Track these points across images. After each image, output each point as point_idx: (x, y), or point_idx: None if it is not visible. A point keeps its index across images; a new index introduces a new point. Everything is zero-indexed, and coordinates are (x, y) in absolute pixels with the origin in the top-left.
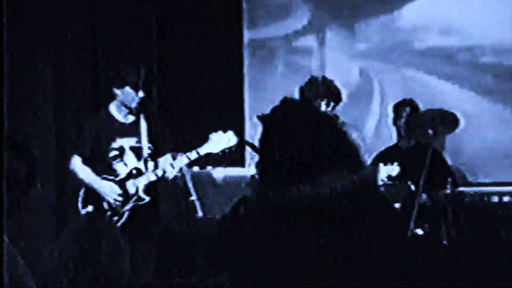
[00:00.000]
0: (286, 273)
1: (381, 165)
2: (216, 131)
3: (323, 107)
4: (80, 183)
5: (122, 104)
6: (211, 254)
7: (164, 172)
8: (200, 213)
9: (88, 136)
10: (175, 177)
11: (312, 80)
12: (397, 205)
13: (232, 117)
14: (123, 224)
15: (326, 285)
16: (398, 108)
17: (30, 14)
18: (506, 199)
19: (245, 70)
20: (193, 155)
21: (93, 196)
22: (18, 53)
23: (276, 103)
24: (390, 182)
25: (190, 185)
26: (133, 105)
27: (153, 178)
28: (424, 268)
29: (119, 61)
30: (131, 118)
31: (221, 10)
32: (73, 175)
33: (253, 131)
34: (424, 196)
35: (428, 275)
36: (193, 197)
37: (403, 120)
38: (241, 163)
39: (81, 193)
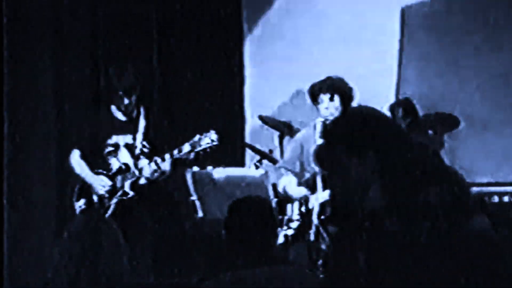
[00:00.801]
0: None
1: None
2: (215, 131)
3: (326, 100)
4: (76, 177)
5: (117, 107)
6: (211, 254)
7: (141, 170)
8: (200, 213)
9: (88, 132)
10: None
11: (324, 79)
12: None
13: (232, 117)
14: (110, 216)
15: None
16: (393, 108)
17: (30, 14)
18: (506, 199)
19: (246, 69)
20: (185, 148)
21: (86, 190)
22: (18, 53)
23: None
24: None
25: (190, 185)
26: (123, 108)
27: (137, 173)
28: (425, 267)
29: (119, 61)
30: (126, 118)
31: (221, 10)
32: (70, 169)
33: (253, 131)
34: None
35: (428, 275)
36: (193, 197)
37: (398, 120)
38: (241, 163)
39: (77, 187)
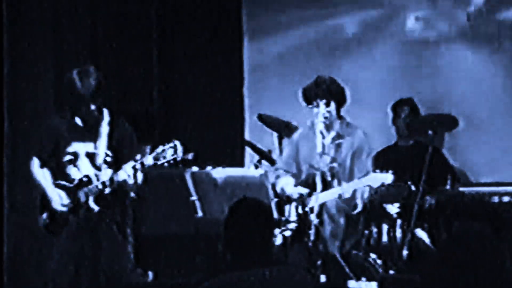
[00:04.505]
0: None
1: (377, 171)
2: (215, 131)
3: (322, 107)
4: (38, 187)
5: (77, 112)
6: (211, 254)
7: (104, 182)
8: (200, 213)
9: (46, 138)
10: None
11: (317, 81)
12: (396, 205)
13: (232, 117)
14: (74, 233)
15: None
16: (396, 107)
17: (30, 14)
18: (506, 199)
19: (245, 69)
20: (148, 160)
21: (47, 203)
22: (18, 53)
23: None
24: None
25: (190, 185)
26: (84, 114)
27: (100, 186)
28: (423, 268)
29: (119, 61)
30: (87, 124)
31: (221, 10)
32: (32, 177)
33: (253, 131)
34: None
35: (427, 275)
36: (193, 197)
37: (401, 119)
38: (241, 163)
39: (39, 199)
